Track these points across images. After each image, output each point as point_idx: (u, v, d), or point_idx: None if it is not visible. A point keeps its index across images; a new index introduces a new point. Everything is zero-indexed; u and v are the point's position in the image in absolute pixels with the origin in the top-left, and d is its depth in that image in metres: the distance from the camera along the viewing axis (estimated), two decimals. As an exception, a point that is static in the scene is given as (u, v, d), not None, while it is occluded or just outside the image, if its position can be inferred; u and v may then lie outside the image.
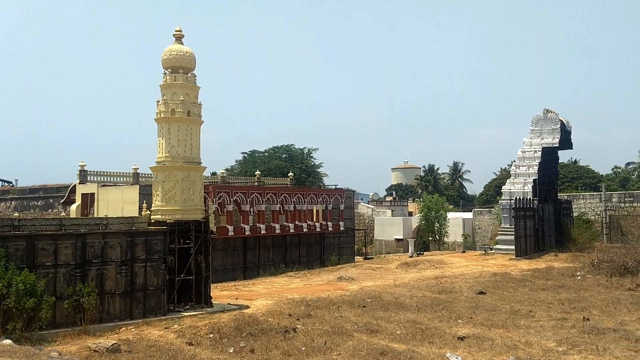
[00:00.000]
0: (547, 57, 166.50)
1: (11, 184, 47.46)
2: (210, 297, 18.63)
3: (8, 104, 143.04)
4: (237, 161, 59.83)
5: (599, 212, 44.43)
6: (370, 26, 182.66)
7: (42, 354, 11.13)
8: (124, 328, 15.44)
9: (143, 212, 18.16)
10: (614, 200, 44.73)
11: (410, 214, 63.47)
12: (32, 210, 36.09)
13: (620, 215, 42.46)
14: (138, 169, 32.62)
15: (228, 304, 19.04)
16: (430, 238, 49.20)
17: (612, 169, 74.06)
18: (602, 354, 12.41)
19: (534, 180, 37.94)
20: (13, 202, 38.17)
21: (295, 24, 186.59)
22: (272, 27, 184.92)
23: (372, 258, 40.95)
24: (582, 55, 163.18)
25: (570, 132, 41.21)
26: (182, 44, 19.08)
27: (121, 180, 32.63)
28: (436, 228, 48.17)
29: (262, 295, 21.88)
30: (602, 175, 67.15)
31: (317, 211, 35.38)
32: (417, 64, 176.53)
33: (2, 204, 38.62)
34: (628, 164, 73.90)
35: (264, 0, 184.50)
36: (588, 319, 15.85)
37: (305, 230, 33.59)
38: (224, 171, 41.26)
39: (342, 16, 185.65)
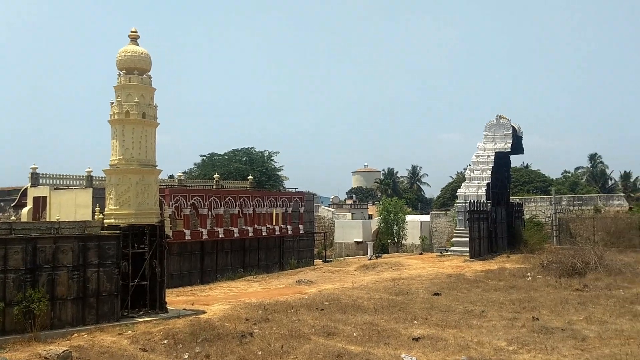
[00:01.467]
0: (502, 64, 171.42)
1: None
2: (166, 303, 18.33)
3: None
4: (195, 164, 59.10)
5: (549, 215, 45.95)
6: (332, 29, 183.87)
7: (-11, 363, 10.77)
8: (76, 334, 15.06)
9: (96, 216, 17.74)
10: (563, 203, 46.40)
11: (370, 216, 64.14)
12: (-21, 214, 34.70)
13: (569, 218, 44.00)
14: (92, 172, 31.86)
15: (184, 309, 18.79)
16: (389, 240, 49.84)
17: (562, 173, 76.78)
18: (550, 353, 12.80)
19: (488, 184, 38.84)
20: (-41, 206, 36.59)
21: (255, 25, 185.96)
22: (232, 28, 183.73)
23: (331, 261, 41.14)
24: (533, 61, 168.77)
25: (521, 137, 42.46)
26: (138, 44, 18.78)
27: (74, 183, 31.79)
28: (395, 231, 48.86)
29: (219, 300, 21.68)
30: (553, 179, 69.39)
31: (276, 214, 35.33)
32: (377, 69, 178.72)
33: (-53, 208, 36.93)
34: (577, 168, 76.75)
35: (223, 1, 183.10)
36: (537, 319, 16.29)
37: (264, 233, 33.48)
38: (181, 174, 40.74)
39: (303, 18, 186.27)
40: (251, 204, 32.84)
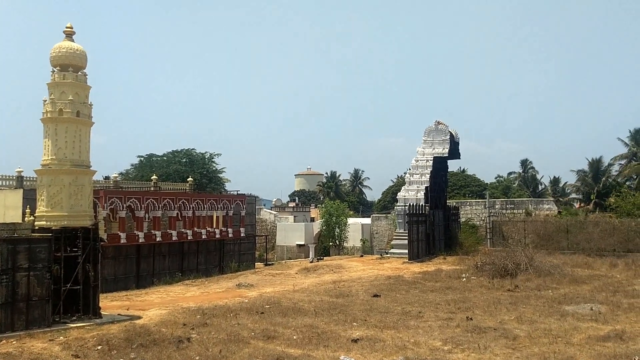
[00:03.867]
0: (440, 69, 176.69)
1: None
2: (99, 308, 17.70)
3: None
4: (132, 165, 57.37)
5: (483, 218, 47.65)
6: (274, 30, 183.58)
7: None
8: (4, 341, 14.30)
9: (26, 218, 16.96)
10: (497, 207, 48.29)
11: (313, 219, 64.37)
12: None
13: (502, 221, 45.72)
14: (22, 172, 30.40)
15: (118, 314, 18.22)
16: (330, 243, 50.19)
17: (496, 178, 79.72)
18: (483, 352, 13.20)
19: (426, 188, 39.80)
20: None
21: (195, 22, 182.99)
22: (170, 25, 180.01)
23: (273, 264, 40.98)
24: (471, 67, 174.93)
25: (458, 142, 43.86)
26: (73, 41, 18.08)
27: (3, 183, 30.26)
28: (337, 233, 49.26)
29: (156, 304, 21.14)
30: (487, 183, 71.88)
31: (217, 217, 34.87)
32: (320, 71, 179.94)
33: None
34: (510, 173, 79.94)
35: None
36: (471, 319, 16.73)
37: (204, 236, 32.96)
38: (117, 175, 39.50)
39: (246, 17, 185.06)
40: (191, 206, 32.25)
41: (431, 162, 40.76)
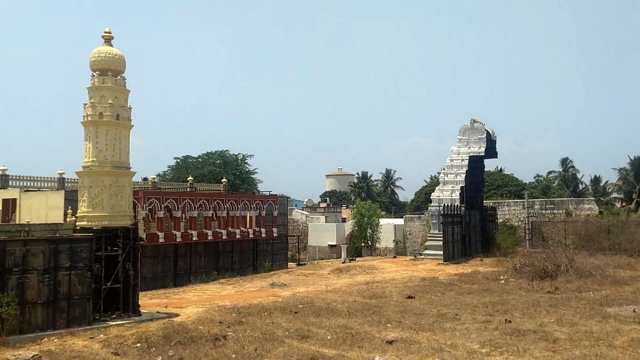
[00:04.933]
0: (476, 68, 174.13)
1: None
2: (139, 306, 18.11)
3: None
4: (169, 167, 58.54)
5: (522, 219, 46.62)
6: (306, 34, 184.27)
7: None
8: (46, 339, 14.75)
9: (68, 219, 17.45)
10: (536, 207, 47.21)
11: (344, 220, 64.24)
12: (-55, 217, 33.69)
13: (541, 222, 44.71)
14: (64, 173, 31.27)
15: (157, 312, 18.58)
16: (362, 244, 49.99)
17: (535, 177, 77.95)
18: (522, 355, 12.98)
19: (462, 188, 39.22)
20: None
21: (228, 27, 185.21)
22: (205, 30, 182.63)
23: (305, 264, 41.10)
24: (507, 66, 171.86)
25: (495, 141, 43.07)
26: (112, 45, 18.54)
27: (45, 185, 31.15)
28: (368, 234, 49.01)
29: (193, 302, 21.50)
30: (526, 183, 70.42)
31: (250, 217, 35.19)
32: (351, 72, 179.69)
33: None
34: (549, 172, 78.12)
35: (195, 2, 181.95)
36: (510, 321, 16.50)
37: (238, 236, 33.32)
38: (155, 177, 40.27)
39: (277, 22, 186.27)
40: (225, 206, 32.65)
41: (467, 161, 40.17)
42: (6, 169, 30.30)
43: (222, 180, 42.62)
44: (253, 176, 58.52)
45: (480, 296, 21.79)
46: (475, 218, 40.15)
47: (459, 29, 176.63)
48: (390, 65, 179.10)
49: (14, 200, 28.73)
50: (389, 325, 16.43)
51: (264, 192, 45.81)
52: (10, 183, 30.15)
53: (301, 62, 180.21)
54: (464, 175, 39.71)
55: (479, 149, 40.59)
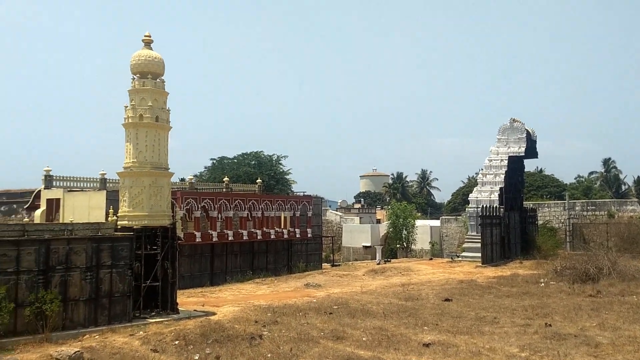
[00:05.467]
0: (514, 67, 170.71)
1: (-29, 188, 45.90)
2: (177, 304, 18.43)
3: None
4: (205, 167, 59.43)
5: (562, 221, 45.52)
6: (340, 35, 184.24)
7: (1, 363, 10.86)
8: (87, 335, 15.15)
9: (109, 218, 17.89)
10: (577, 208, 45.95)
11: (379, 221, 63.89)
12: (-7, 216, 35.04)
13: (582, 224, 43.61)
14: (105, 174, 32.10)
15: (194, 310, 18.87)
16: (398, 245, 49.59)
17: (576, 178, 76.11)
18: (563, 359, 12.72)
19: (501, 189, 38.58)
20: (-27, 207, 36.97)
21: (264, 30, 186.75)
22: (241, 31, 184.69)
23: (339, 265, 41.05)
24: (547, 66, 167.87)
25: (535, 141, 42.20)
26: (151, 49, 18.93)
27: (88, 185, 32.01)
28: (404, 235, 48.58)
29: (229, 301, 21.75)
30: (566, 184, 68.84)
31: (285, 218, 35.36)
32: (386, 72, 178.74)
33: (-39, 209, 37.34)
34: (591, 173, 76.12)
35: (232, 4, 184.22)
36: (550, 325, 16.20)
37: (272, 236, 33.54)
38: (192, 177, 40.96)
39: (312, 24, 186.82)
40: (260, 207, 32.92)
41: (506, 161, 39.47)
42: (50, 170, 31.25)
43: (257, 180, 43.00)
44: (287, 177, 58.83)
45: (520, 299, 21.39)
46: (514, 220, 39.40)
47: (497, 27, 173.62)
48: (426, 64, 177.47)
49: (58, 200, 29.65)
50: (425, 328, 16.26)
51: (298, 193, 45.97)
52: (54, 183, 31.09)
53: (335, 62, 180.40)
54: (503, 176, 39.04)
55: (519, 149, 39.86)
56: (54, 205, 29.93)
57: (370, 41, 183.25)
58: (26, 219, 29.80)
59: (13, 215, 34.26)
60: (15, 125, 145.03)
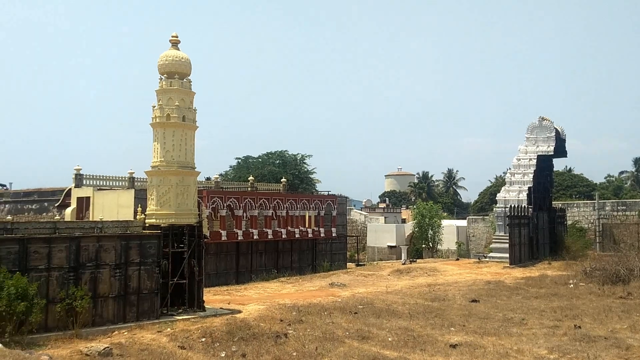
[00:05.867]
0: (541, 66, 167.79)
1: (5, 187, 47.10)
2: (203, 301, 18.62)
3: (3, 108, 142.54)
4: (231, 166, 59.95)
5: (592, 221, 44.65)
6: (365, 33, 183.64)
7: (32, 358, 11.11)
8: (116, 332, 15.40)
9: (138, 216, 18.15)
10: (607, 208, 44.97)
11: (404, 221, 63.51)
12: (26, 214, 35.91)
13: (613, 224, 42.70)
14: (133, 173, 32.63)
15: (220, 308, 19.04)
16: (423, 245, 49.21)
17: (606, 178, 74.64)
18: (592, 362, 12.52)
19: (529, 188, 38.03)
20: (7, 206, 37.97)
21: (289, 29, 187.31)
22: (266, 31, 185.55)
23: (364, 265, 40.94)
24: (574, 64, 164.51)
25: (564, 140, 41.45)
26: (178, 49, 19.16)
27: (117, 184, 32.60)
28: (430, 235, 48.19)
29: (254, 300, 21.88)
30: (596, 183, 67.60)
31: (309, 217, 35.40)
32: (412, 70, 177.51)
33: (-5, 207, 38.40)
34: (621, 172, 74.53)
35: (258, 4, 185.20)
36: (580, 327, 15.95)
37: (297, 236, 33.61)
38: (217, 176, 41.34)
39: (337, 23, 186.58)
40: (284, 206, 33.03)
41: (534, 160, 38.87)
42: (80, 169, 31.91)
43: (282, 180, 43.17)
44: (311, 176, 58.96)
45: (548, 300, 21.07)
46: (543, 220, 38.80)
47: (523, 24, 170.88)
48: (451, 62, 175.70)
49: (88, 198, 30.26)
50: (452, 328, 16.11)
51: (322, 192, 45.97)
52: (84, 182, 31.73)
53: (359, 60, 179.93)
54: (531, 175, 38.46)
55: (548, 147, 39.22)
56: (84, 204, 30.54)
57: (396, 39, 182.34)
58: (57, 217, 30.45)
59: (44, 213, 35.05)
60: (47, 125, 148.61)
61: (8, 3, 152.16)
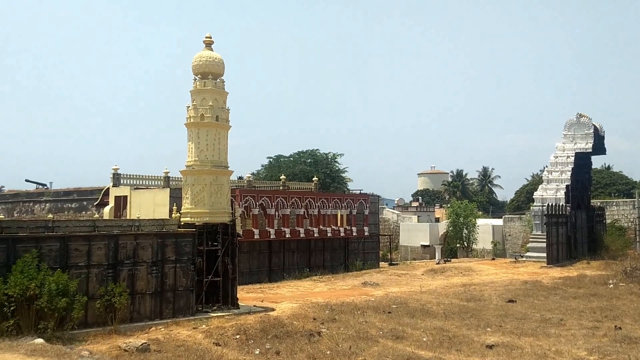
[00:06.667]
0: (579, 61, 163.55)
1: (46, 187, 48.55)
2: (237, 299, 18.80)
3: (43, 109, 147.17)
4: (262, 166, 60.27)
5: (632, 220, 43.39)
6: (397, 32, 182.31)
7: (73, 353, 11.37)
8: (153, 328, 15.67)
9: (173, 215, 18.44)
10: (647, 207, 43.56)
11: (437, 220, 62.84)
12: (66, 212, 36.92)
13: (654, 223, 41.33)
14: (169, 172, 33.21)
15: (254, 306, 19.19)
16: (458, 245, 48.58)
17: (646, 175, 72.13)
18: (634, 364, 12.17)
19: (567, 186, 37.22)
20: (47, 205, 39.14)
21: (321, 28, 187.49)
22: (297, 30, 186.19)
23: (397, 264, 40.69)
24: (614, 60, 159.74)
25: (603, 137, 40.38)
26: (212, 50, 19.37)
27: (153, 183, 33.25)
28: (464, 235, 47.52)
29: (287, 298, 21.99)
30: (635, 181, 65.51)
31: (341, 216, 35.37)
32: (445, 67, 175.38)
33: (36, 206, 39.68)
34: (664, 170, 71.96)
35: (290, 3, 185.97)
36: (620, 328, 15.57)
37: (329, 234, 33.64)
38: (250, 175, 41.65)
39: (369, 22, 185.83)
40: (316, 205, 33.09)
41: (572, 158, 38.00)
42: (118, 169, 32.66)
43: (313, 178, 43.24)
44: (343, 175, 58.85)
45: (587, 301, 20.58)
46: (581, 218, 37.92)
47: (561, 17, 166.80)
48: (486, 57, 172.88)
49: (125, 197, 30.95)
50: (488, 329, 15.87)
51: (354, 191, 45.83)
52: (121, 181, 32.46)
53: (392, 58, 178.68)
54: (569, 173, 37.59)
55: (586, 145, 38.27)
56: (121, 202, 31.24)
57: (425, 35, 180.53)
58: (96, 215, 31.21)
59: (83, 212, 36.00)
60: (85, 126, 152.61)
61: (59, 5, 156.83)
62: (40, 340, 12.30)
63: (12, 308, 13.37)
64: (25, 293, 13.43)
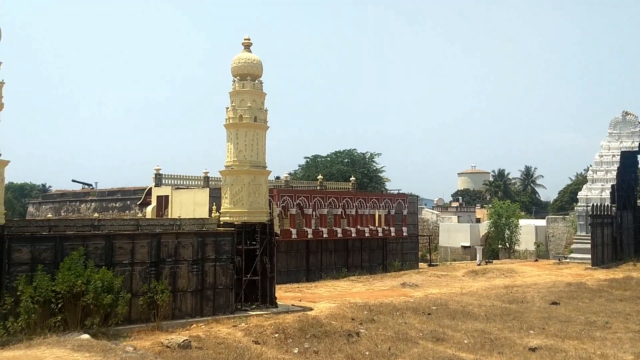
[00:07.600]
0: (625, 58, 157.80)
1: (91, 187, 50.18)
2: (275, 298, 18.96)
3: (90, 112, 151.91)
4: (300, 165, 60.46)
5: (682, 220, 41.49)
6: (436, 31, 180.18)
7: (118, 349, 11.69)
8: (194, 325, 15.95)
9: (213, 214, 18.74)
10: (699, 207, 41.64)
11: (478, 220, 61.76)
12: (110, 211, 38.07)
13: None
14: (208, 173, 33.78)
15: (292, 305, 19.30)
16: (500, 246, 47.60)
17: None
18: (686, 370, 11.67)
19: (612, 186, 36.10)
20: (93, 204, 40.42)
21: (360, 28, 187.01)
22: (336, 31, 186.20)
23: (436, 265, 40.19)
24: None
25: (650, 135, 38.86)
26: (250, 51, 19.58)
27: (193, 183, 33.89)
28: (506, 235, 46.50)
29: (325, 298, 22.01)
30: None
31: (379, 216, 35.18)
32: (487, 66, 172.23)
33: (82, 205, 41.03)
34: None
35: (327, 4, 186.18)
36: (670, 333, 14.95)
37: (367, 234, 33.51)
38: (287, 175, 41.89)
39: (408, 22, 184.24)
40: (354, 205, 33.02)
41: (618, 157, 36.82)
42: (160, 169, 33.41)
43: (351, 178, 43.17)
44: (381, 175, 58.49)
45: (634, 304, 19.94)
46: (627, 219, 36.65)
47: (603, 15, 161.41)
48: (530, 55, 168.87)
49: (167, 197, 31.63)
50: (531, 331, 15.51)
51: (392, 191, 45.52)
52: (163, 181, 33.20)
53: (430, 57, 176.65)
54: (615, 173, 36.42)
55: (632, 143, 37.04)
56: (163, 202, 31.93)
57: (464, 33, 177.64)
58: (139, 214, 32.03)
59: (127, 211, 37.03)
60: (129, 129, 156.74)
61: (97, 7, 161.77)
62: (86, 336, 12.66)
63: (59, 304, 13.80)
64: (72, 290, 13.86)
